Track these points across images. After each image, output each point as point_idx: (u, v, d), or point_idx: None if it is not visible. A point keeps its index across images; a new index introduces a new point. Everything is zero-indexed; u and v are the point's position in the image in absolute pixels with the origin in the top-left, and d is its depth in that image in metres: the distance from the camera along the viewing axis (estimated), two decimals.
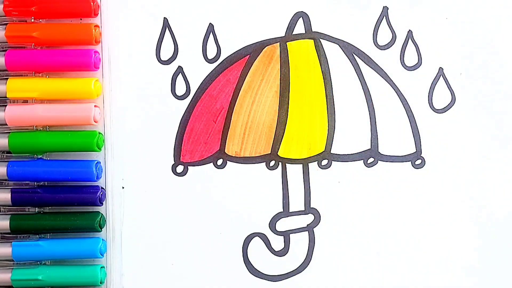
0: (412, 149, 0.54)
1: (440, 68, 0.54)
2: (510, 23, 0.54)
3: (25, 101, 0.53)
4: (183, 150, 0.54)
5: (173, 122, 0.54)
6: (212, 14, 0.54)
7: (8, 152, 0.53)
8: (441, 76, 0.54)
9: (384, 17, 0.54)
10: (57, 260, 0.53)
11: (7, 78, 0.52)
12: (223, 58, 0.54)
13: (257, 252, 0.54)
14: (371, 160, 0.54)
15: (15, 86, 0.52)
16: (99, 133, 0.53)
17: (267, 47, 0.54)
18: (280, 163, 0.54)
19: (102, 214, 0.53)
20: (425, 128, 0.54)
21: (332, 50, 0.54)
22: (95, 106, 0.53)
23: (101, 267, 0.53)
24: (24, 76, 0.52)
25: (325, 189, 0.54)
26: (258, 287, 0.54)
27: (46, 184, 0.53)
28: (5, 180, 0.53)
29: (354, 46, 0.54)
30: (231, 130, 0.54)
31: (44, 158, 0.53)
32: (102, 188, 0.53)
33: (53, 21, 0.53)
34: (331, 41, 0.54)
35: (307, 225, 0.54)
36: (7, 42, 0.52)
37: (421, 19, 0.54)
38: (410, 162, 0.54)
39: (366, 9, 0.54)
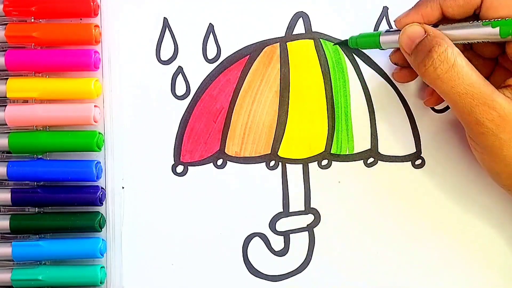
0: (412, 149, 0.54)
1: None
2: None
3: (25, 101, 0.53)
4: (183, 150, 0.54)
5: (173, 122, 0.54)
6: (212, 14, 0.54)
7: (8, 152, 0.53)
8: None
9: (384, 17, 0.54)
10: (57, 260, 0.53)
11: (7, 78, 0.52)
12: (223, 58, 0.54)
13: (257, 252, 0.54)
14: (371, 160, 0.54)
15: (15, 86, 0.52)
16: (99, 133, 0.53)
17: (267, 47, 0.54)
18: (280, 163, 0.54)
19: (102, 214, 0.53)
20: (425, 128, 0.54)
21: (332, 50, 0.54)
22: (95, 106, 0.53)
23: (101, 267, 0.53)
24: (24, 76, 0.52)
25: (325, 189, 0.54)
26: (258, 287, 0.54)
27: (46, 184, 0.53)
28: (5, 180, 0.53)
29: None
30: (231, 130, 0.54)
31: (44, 158, 0.53)
32: (102, 188, 0.53)
33: (53, 21, 0.53)
34: (331, 41, 0.54)
35: (307, 225, 0.54)
36: (7, 42, 0.52)
37: None
38: (410, 162, 0.54)
39: (366, 9, 0.54)
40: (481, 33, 0.47)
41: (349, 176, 0.54)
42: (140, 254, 0.54)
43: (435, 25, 0.48)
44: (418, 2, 0.50)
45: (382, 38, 0.50)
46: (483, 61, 0.50)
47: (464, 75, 0.45)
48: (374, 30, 0.54)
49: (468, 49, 0.51)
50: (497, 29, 0.46)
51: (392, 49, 0.52)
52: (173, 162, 0.54)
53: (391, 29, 0.51)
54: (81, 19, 0.53)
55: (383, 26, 0.54)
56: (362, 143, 0.54)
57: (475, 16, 0.48)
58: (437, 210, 0.54)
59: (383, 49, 0.51)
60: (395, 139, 0.54)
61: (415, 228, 0.54)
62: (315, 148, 0.54)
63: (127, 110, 0.54)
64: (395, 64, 0.52)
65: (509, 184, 0.48)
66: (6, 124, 0.52)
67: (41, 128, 0.53)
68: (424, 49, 0.46)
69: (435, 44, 0.46)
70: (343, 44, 0.53)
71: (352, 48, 0.53)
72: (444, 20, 0.49)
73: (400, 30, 0.49)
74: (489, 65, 0.51)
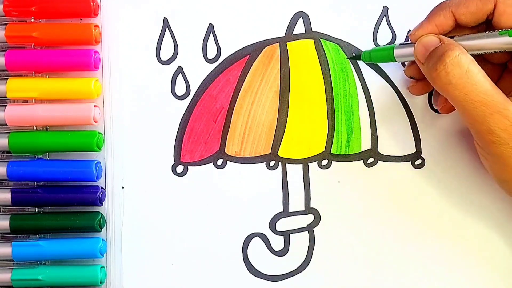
0: (412, 149, 0.54)
1: None
2: None
3: (25, 101, 0.53)
4: (183, 150, 0.54)
5: (173, 122, 0.54)
6: (212, 14, 0.54)
7: (8, 152, 0.53)
8: None
9: (384, 17, 0.54)
10: (57, 260, 0.53)
11: (7, 78, 0.52)
12: (223, 58, 0.54)
13: (257, 252, 0.54)
14: (371, 160, 0.54)
15: (15, 86, 0.52)
16: (99, 133, 0.53)
17: (267, 47, 0.54)
18: (280, 163, 0.54)
19: (102, 214, 0.53)
20: (425, 128, 0.54)
21: (332, 50, 0.54)
22: (95, 106, 0.53)
23: (101, 267, 0.53)
24: (24, 76, 0.52)
25: (325, 189, 0.54)
26: (258, 287, 0.54)
27: (46, 184, 0.53)
28: (5, 180, 0.53)
29: (354, 46, 0.54)
30: (231, 130, 0.54)
31: (44, 158, 0.53)
32: (102, 188, 0.53)
33: (53, 21, 0.53)
34: (331, 41, 0.54)
35: (307, 225, 0.54)
36: (7, 42, 0.52)
37: (421, 19, 0.54)
38: (410, 162, 0.54)
39: (366, 9, 0.54)
40: (498, 43, 0.46)
41: (349, 176, 0.54)
42: (140, 254, 0.54)
43: (451, 37, 0.48)
44: (430, 12, 0.49)
45: (396, 52, 0.50)
46: (492, 67, 0.50)
47: (477, 82, 0.45)
48: (373, 31, 0.54)
49: (477, 54, 0.50)
50: None
51: (407, 63, 0.51)
52: (173, 162, 0.54)
53: (405, 42, 0.50)
54: (81, 19, 0.53)
55: (383, 26, 0.54)
56: (362, 143, 0.54)
57: (488, 23, 0.48)
58: (437, 210, 0.54)
59: (395, 62, 0.51)
60: (395, 139, 0.54)
61: (415, 228, 0.54)
62: (315, 148, 0.54)
63: (127, 110, 0.54)
64: (411, 77, 0.51)
65: None
66: (6, 124, 0.52)
67: (41, 128, 0.53)
68: (437, 54, 0.46)
69: (448, 49, 0.46)
70: (356, 58, 0.53)
71: (366, 62, 0.53)
72: (458, 28, 0.49)
73: (414, 43, 0.48)
74: (497, 70, 0.51)
